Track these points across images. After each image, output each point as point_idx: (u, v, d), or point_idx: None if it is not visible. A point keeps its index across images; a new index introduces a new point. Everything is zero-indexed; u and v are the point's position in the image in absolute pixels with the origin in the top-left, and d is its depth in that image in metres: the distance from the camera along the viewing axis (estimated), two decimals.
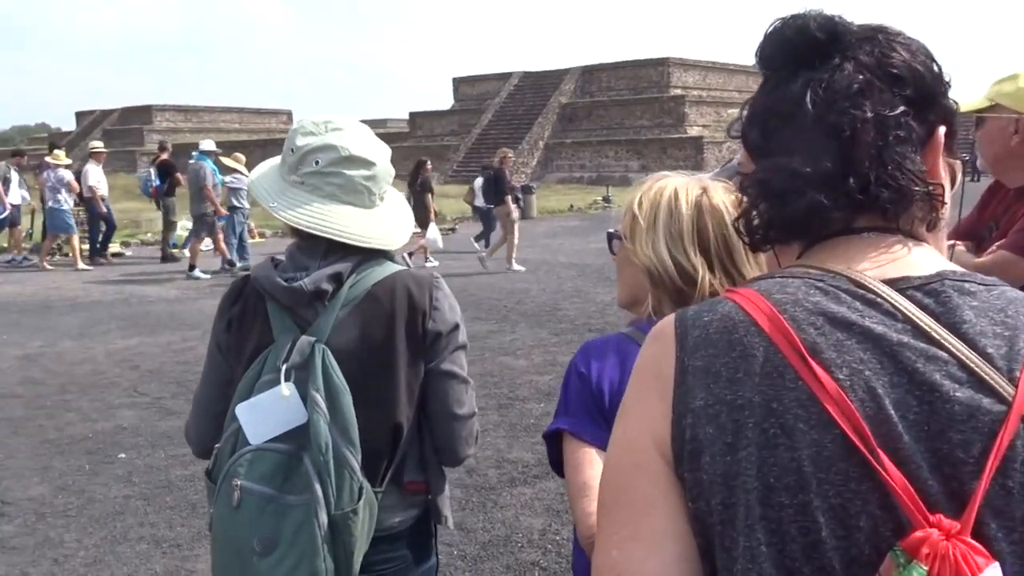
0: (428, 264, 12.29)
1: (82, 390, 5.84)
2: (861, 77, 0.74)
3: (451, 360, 1.56)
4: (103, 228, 13.57)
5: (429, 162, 13.95)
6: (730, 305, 0.75)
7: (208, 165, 11.30)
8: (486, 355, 6.60)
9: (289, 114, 58.25)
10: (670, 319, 0.78)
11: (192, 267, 11.50)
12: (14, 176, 13.10)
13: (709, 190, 1.31)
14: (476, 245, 13.41)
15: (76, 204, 12.83)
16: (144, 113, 52.27)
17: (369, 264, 1.52)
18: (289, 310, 1.49)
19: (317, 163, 1.48)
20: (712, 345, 0.73)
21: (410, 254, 12.28)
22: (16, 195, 13.09)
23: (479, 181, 13.90)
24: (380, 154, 1.54)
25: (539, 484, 4.06)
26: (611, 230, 1.45)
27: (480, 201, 13.79)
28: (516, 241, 12.03)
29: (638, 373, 0.78)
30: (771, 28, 0.80)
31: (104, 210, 13.12)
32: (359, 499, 1.39)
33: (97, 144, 13.70)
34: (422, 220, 12.49)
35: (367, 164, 1.51)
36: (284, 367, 1.42)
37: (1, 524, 3.72)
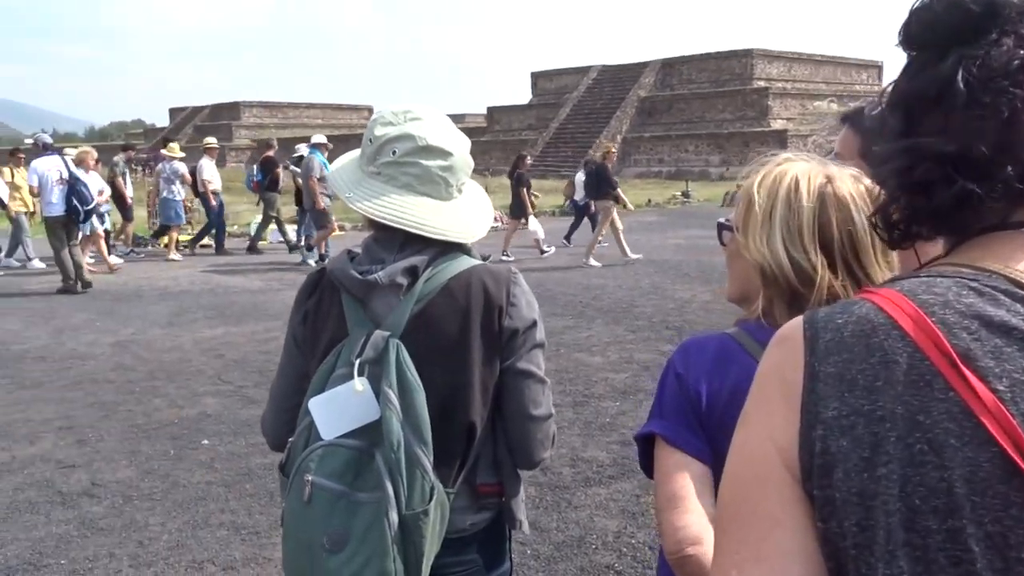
0: (545, 255, 12.35)
1: (169, 377, 6.02)
2: (1023, 52, 0.66)
3: (528, 359, 1.50)
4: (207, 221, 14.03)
5: (528, 157, 14.01)
6: (868, 306, 0.68)
7: (318, 158, 11.52)
8: (561, 351, 6.55)
9: (370, 109, 59.21)
10: (797, 322, 0.72)
11: (323, 257, 11.69)
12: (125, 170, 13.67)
13: (835, 179, 1.17)
14: (565, 242, 13.56)
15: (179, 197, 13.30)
16: (233, 109, 53.92)
17: (446, 258, 1.48)
18: (363, 303, 1.46)
19: (394, 153, 1.45)
20: (847, 350, 0.66)
21: (540, 248, 12.38)
22: (130, 188, 13.64)
23: (580, 175, 13.99)
24: (458, 144, 1.50)
25: (614, 485, 3.99)
26: (722, 220, 1.34)
27: (580, 195, 13.86)
28: (600, 238, 11.99)
29: (761, 379, 0.72)
30: (918, 3, 0.72)
31: (215, 204, 13.50)
32: (430, 499, 1.36)
33: (211, 140, 14.09)
34: (518, 213, 12.58)
35: (444, 154, 1.47)
36: (357, 362, 1.39)
37: (91, 505, 3.86)
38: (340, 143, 14.21)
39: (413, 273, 1.45)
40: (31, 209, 12.20)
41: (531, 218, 12.54)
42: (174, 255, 12.98)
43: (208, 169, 13.35)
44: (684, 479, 1.14)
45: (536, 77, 40.64)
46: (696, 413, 1.18)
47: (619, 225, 11.87)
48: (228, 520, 3.70)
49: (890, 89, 0.76)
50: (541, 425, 1.52)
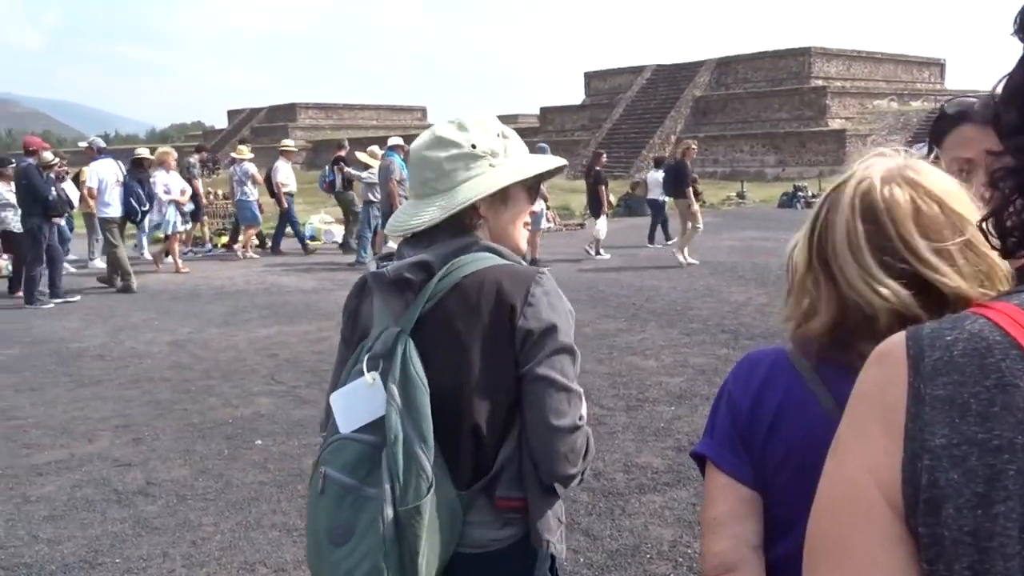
0: (598, 257, 12.23)
1: (224, 376, 6.08)
2: None
3: (548, 364, 1.40)
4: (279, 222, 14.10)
5: (604, 155, 13.97)
6: (981, 322, 0.60)
7: (396, 160, 11.57)
8: (614, 354, 6.45)
9: (423, 111, 59.65)
10: (899, 338, 0.64)
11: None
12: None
13: (910, 181, 1.04)
14: (649, 244, 13.46)
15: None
16: (289, 111, 54.78)
17: (467, 256, 1.45)
18: (385, 300, 1.48)
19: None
20: (958, 371, 0.59)
21: (596, 249, 12.30)
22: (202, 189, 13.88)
23: (653, 174, 13.92)
24: (440, 144, 1.49)
25: (669, 492, 3.88)
26: None
27: (654, 194, 13.77)
28: (693, 233, 11.76)
29: (858, 401, 0.65)
30: None
31: (286, 206, 13.60)
32: (426, 496, 1.34)
33: (288, 142, 14.29)
34: (595, 210, 12.52)
35: (430, 161, 1.49)
36: (366, 356, 1.42)
37: (146, 504, 3.89)
38: (385, 143, 14.31)
39: (425, 268, 1.44)
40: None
41: (602, 217, 12.46)
42: (251, 254, 13.29)
43: (283, 171, 13.48)
44: (727, 503, 1.14)
45: (589, 77, 40.44)
46: (743, 433, 1.15)
47: (698, 225, 11.74)
48: (280, 521, 3.69)
49: (1004, 83, 0.69)
50: (564, 437, 1.39)
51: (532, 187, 1.59)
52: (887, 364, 0.63)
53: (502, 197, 1.52)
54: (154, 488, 4.08)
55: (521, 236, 1.60)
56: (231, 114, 60.62)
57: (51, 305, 9.05)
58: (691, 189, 11.77)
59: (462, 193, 1.47)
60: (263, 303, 9.14)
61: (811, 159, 27.54)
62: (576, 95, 49.70)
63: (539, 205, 11.92)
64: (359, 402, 1.41)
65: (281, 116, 54.98)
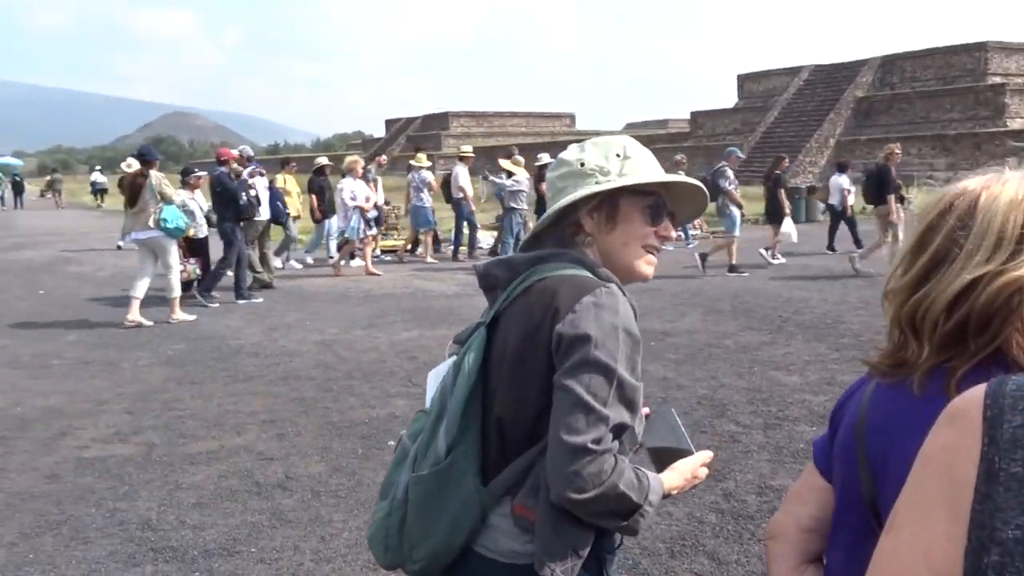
0: (775, 261, 11.88)
1: (365, 377, 6.29)
2: None
3: (573, 375, 1.32)
4: (466, 229, 14.32)
5: (786, 159, 13.59)
6: None
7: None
8: (755, 369, 6.19)
9: (572, 117, 59.81)
10: (977, 392, 0.55)
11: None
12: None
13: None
14: (829, 251, 12.89)
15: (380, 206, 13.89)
16: (442, 119, 56.34)
17: (551, 263, 1.47)
18: (485, 295, 1.59)
19: None
20: None
21: (767, 249, 11.98)
22: (381, 195, 14.32)
23: (836, 178, 13.41)
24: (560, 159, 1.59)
25: None
26: None
27: (835, 199, 13.28)
28: (889, 244, 11.07)
29: (923, 467, 0.57)
30: None
31: (470, 211, 13.84)
32: (429, 469, 1.45)
33: (467, 149, 14.58)
34: (776, 217, 12.15)
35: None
36: (451, 342, 1.59)
37: (283, 498, 4.07)
38: (542, 151, 14.36)
39: (511, 269, 1.51)
40: (298, 214, 13.43)
41: (787, 219, 12.02)
42: (430, 259, 13.70)
43: (463, 176, 13.65)
44: (800, 484, 1.25)
45: (743, 79, 39.27)
46: (832, 434, 1.21)
47: (899, 235, 11.02)
48: None
49: None
50: (572, 456, 1.29)
51: (653, 208, 1.52)
52: (960, 425, 0.54)
53: (609, 215, 1.51)
54: (292, 483, 4.26)
55: (636, 259, 1.53)
56: (388, 123, 63.06)
57: (216, 304, 9.70)
58: (893, 197, 10.96)
59: (557, 205, 1.51)
60: (407, 307, 9.42)
61: (986, 163, 25.36)
62: (727, 98, 48.36)
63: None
64: (438, 381, 1.57)
65: (435, 124, 56.64)
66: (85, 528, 3.76)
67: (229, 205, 9.90)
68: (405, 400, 5.67)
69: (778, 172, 12.37)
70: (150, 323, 8.56)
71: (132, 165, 18.33)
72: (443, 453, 1.43)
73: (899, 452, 0.96)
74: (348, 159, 12.69)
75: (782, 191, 12.12)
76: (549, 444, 1.34)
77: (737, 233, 11.28)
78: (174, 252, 8.91)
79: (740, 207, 11.49)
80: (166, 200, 8.67)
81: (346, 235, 12.17)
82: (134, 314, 8.56)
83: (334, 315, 8.97)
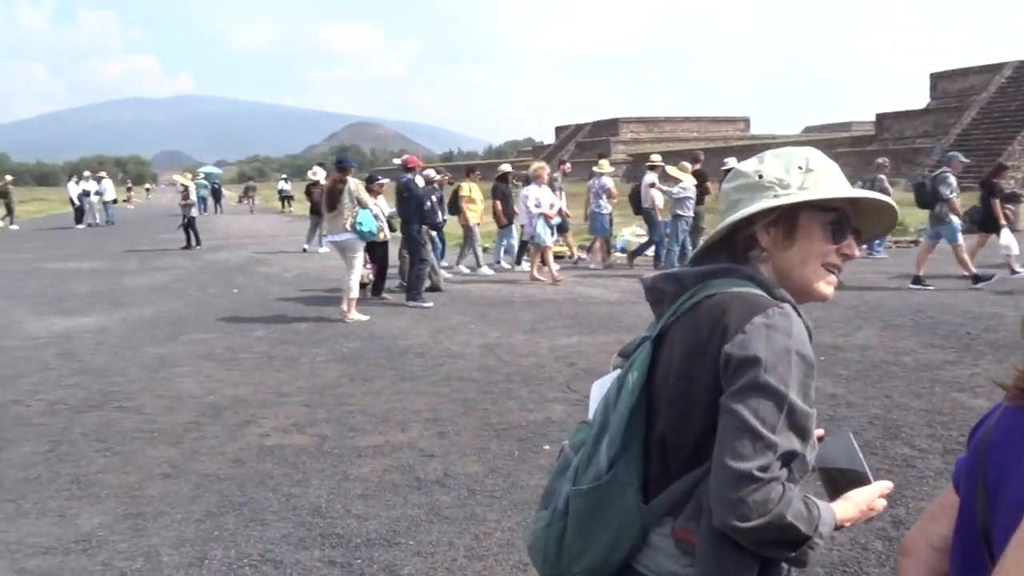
0: (1017, 275, 11.08)
1: (524, 381, 6.41)
2: None
3: (739, 399, 1.28)
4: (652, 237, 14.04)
5: (1007, 166, 12.73)
6: None
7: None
8: (936, 389, 5.78)
9: (746, 121, 58.00)
10: None
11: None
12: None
13: None
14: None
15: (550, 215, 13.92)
16: (611, 126, 56.23)
17: (722, 279, 1.43)
18: (652, 308, 1.58)
19: None
20: None
21: (1011, 266, 11.25)
22: (564, 201, 14.20)
23: None
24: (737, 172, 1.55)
25: None
26: None
27: None
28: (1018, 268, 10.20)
29: None
30: None
31: (659, 219, 13.61)
32: (589, 484, 1.44)
33: (656, 157, 14.16)
34: (989, 226, 11.34)
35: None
36: (616, 354, 1.58)
37: (441, 494, 4.23)
38: (715, 156, 14.03)
39: (678, 283, 1.48)
40: (479, 221, 13.85)
41: (1004, 231, 11.16)
42: (595, 265, 13.74)
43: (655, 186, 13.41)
44: (936, 502, 1.25)
45: (936, 79, 36.60)
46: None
47: None
48: None
49: None
50: (737, 484, 1.25)
51: (835, 224, 1.45)
52: None
53: (788, 230, 1.45)
54: (450, 480, 4.42)
55: (814, 278, 1.46)
56: (558, 130, 63.68)
57: (430, 304, 10.07)
58: None
59: (732, 218, 1.46)
60: (568, 312, 9.49)
61: None
62: (917, 99, 45.19)
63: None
64: (602, 392, 1.56)
65: (604, 131, 56.61)
66: (263, 511, 4.07)
67: (415, 210, 10.38)
68: (562, 405, 5.72)
69: (995, 180, 11.42)
70: (366, 318, 9.26)
71: (317, 173, 19.62)
72: (604, 468, 1.42)
73: (1015, 478, 0.89)
74: (534, 166, 12.77)
75: (997, 200, 11.16)
76: (713, 468, 1.30)
77: (960, 241, 10.51)
78: (360, 255, 9.49)
79: (959, 216, 10.71)
80: (362, 205, 9.31)
81: (535, 242, 12.21)
82: (352, 312, 9.32)
83: (497, 319, 9.18)
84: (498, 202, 13.74)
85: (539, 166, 12.71)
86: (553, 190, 13.08)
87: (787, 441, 1.28)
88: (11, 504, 4.21)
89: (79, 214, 29.18)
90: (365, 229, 9.25)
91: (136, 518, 4.01)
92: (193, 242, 19.45)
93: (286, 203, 39.46)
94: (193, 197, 20.03)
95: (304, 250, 17.96)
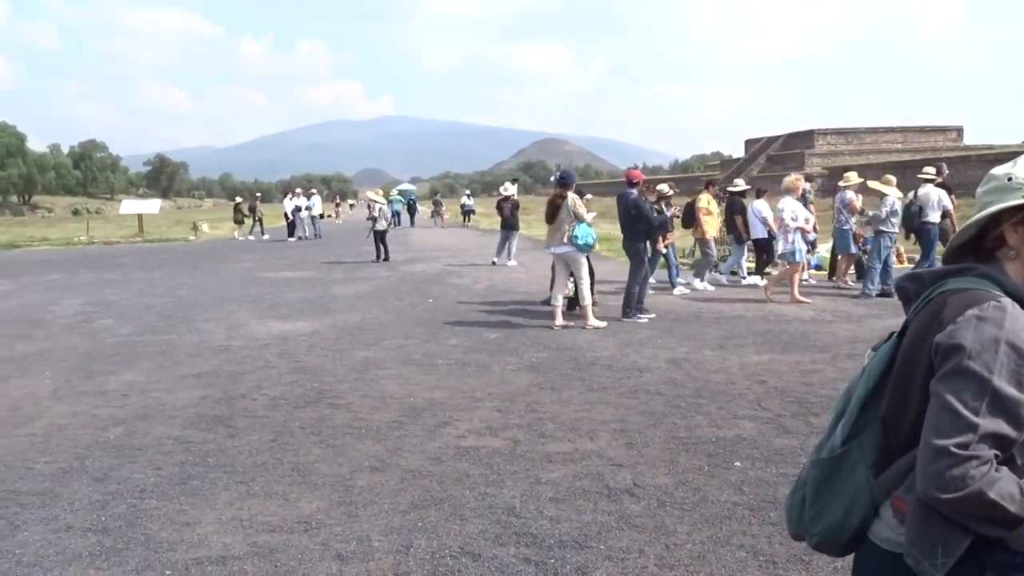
0: None
1: (712, 397, 6.34)
2: None
3: (944, 382, 1.41)
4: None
5: None
6: None
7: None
8: None
9: (959, 130, 53.89)
10: None
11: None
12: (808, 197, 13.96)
13: None
14: None
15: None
16: (806, 138, 53.99)
17: (960, 278, 1.51)
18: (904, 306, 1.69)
19: None
20: None
21: None
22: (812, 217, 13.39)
23: None
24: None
25: None
26: None
27: None
28: None
29: None
30: None
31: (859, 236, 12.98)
32: (818, 455, 1.63)
33: (851, 175, 13.21)
34: None
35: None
36: (870, 348, 1.70)
37: (631, 503, 4.29)
38: (921, 168, 13.15)
39: (919, 282, 1.60)
40: (716, 234, 13.81)
41: None
42: (848, 282, 12.98)
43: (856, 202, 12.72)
44: None
45: None
46: None
47: None
48: (748, 543, 3.77)
49: None
50: (935, 458, 1.38)
51: None
52: None
53: None
54: (639, 490, 4.47)
55: None
56: (748, 143, 61.87)
57: (645, 319, 10.08)
58: None
59: (977, 216, 1.55)
60: (759, 330, 9.25)
61: None
62: None
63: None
64: None
65: (798, 143, 54.44)
66: (461, 507, 4.31)
67: (643, 227, 10.38)
68: (753, 423, 5.62)
69: None
70: (603, 324, 9.65)
71: (507, 188, 20.24)
72: (839, 443, 1.60)
73: None
74: (789, 178, 12.24)
75: None
76: (920, 444, 1.44)
77: None
78: (585, 265, 9.80)
79: None
80: (579, 219, 9.62)
81: (795, 259, 11.56)
82: (559, 319, 9.74)
83: (684, 334, 9.11)
84: (739, 217, 13.56)
85: (794, 178, 12.18)
86: (804, 204, 12.57)
87: (993, 424, 1.35)
88: (243, 486, 4.71)
89: (291, 228, 31.71)
90: (581, 242, 9.57)
91: (349, 505, 4.37)
92: (382, 255, 20.52)
93: (467, 218, 41.69)
94: (386, 211, 21.04)
95: (494, 263, 18.57)
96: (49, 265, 22.34)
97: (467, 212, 42.80)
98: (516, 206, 19.43)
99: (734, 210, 13.83)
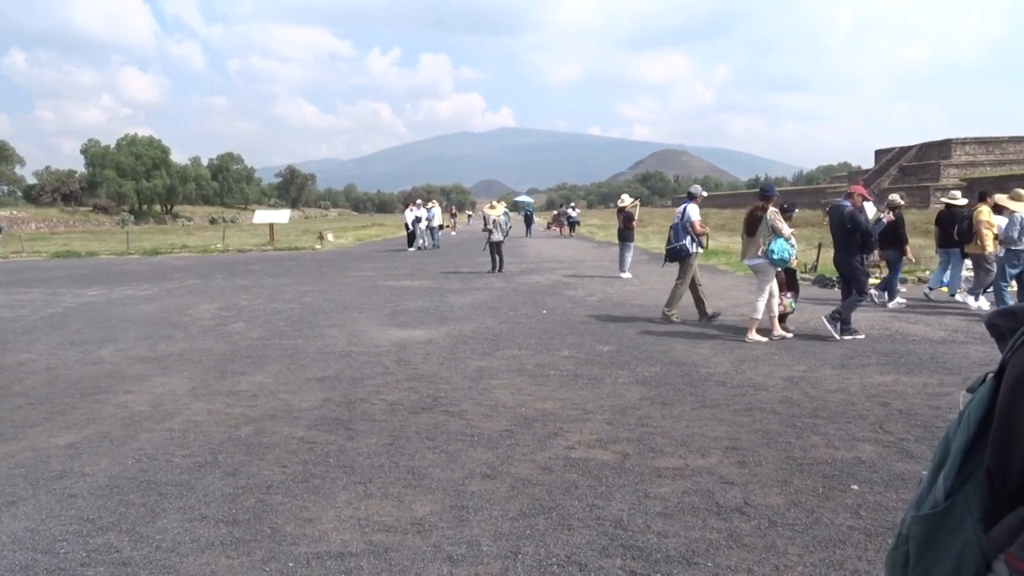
0: None
1: (831, 417, 6.16)
2: None
3: None
4: None
5: None
6: None
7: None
8: None
9: None
10: None
11: None
12: None
13: None
14: None
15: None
16: (942, 148, 51.37)
17: None
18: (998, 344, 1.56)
19: None
20: None
21: None
22: None
23: None
24: None
25: None
26: None
27: None
28: None
29: None
30: None
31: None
32: (915, 511, 1.47)
33: (1001, 197, 12.41)
34: None
35: None
36: (964, 390, 1.55)
37: (741, 522, 4.24)
38: None
39: (1014, 318, 1.46)
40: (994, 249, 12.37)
41: None
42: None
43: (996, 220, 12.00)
44: None
45: None
46: None
47: None
48: (863, 569, 3.67)
49: None
50: None
51: None
52: None
53: None
54: (750, 509, 4.41)
55: None
56: (878, 154, 59.38)
57: (852, 336, 9.69)
58: None
59: None
60: (883, 349, 8.90)
61: None
62: None
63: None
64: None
65: (933, 153, 51.85)
66: (569, 517, 4.37)
67: (859, 241, 9.97)
68: (873, 446, 5.43)
69: None
70: (764, 339, 9.59)
71: (624, 200, 20.19)
72: (941, 497, 1.46)
73: None
74: (1018, 190, 11.54)
75: None
76: None
77: None
78: (771, 280, 9.75)
79: None
80: (776, 233, 9.60)
81: None
82: (752, 333, 9.69)
83: (804, 352, 8.87)
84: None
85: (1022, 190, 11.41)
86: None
87: None
88: (361, 486, 4.93)
89: (411, 238, 32.61)
90: (776, 256, 9.54)
91: (460, 510, 4.50)
92: (497, 266, 20.80)
93: (572, 228, 43.42)
94: (501, 222, 21.25)
95: (620, 277, 18.48)
96: (188, 271, 23.81)
97: (571, 223, 44.62)
98: (629, 218, 19.34)
99: (956, 221, 12.77)
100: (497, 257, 20.88)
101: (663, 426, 6.06)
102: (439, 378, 7.94)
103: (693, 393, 7.07)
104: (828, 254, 13.91)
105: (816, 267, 17.15)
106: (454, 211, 65.50)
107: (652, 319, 11.61)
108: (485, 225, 21.38)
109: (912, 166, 52.03)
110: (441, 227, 35.64)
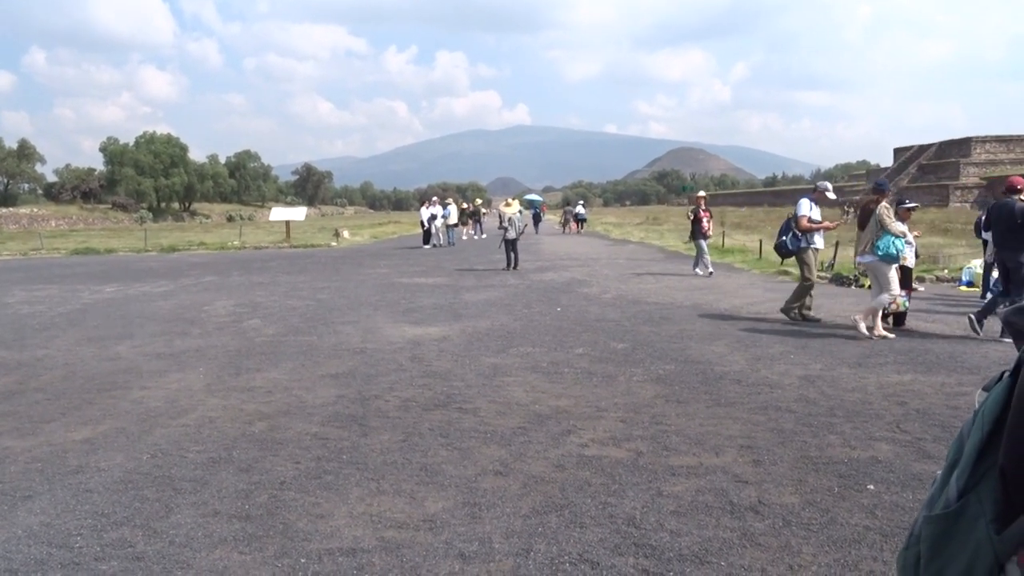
0: None
1: (847, 416, 6.10)
2: None
3: None
4: None
5: None
6: None
7: None
8: None
9: None
10: None
11: None
12: None
13: None
14: None
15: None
16: (962, 146, 50.90)
17: None
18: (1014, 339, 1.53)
19: None
20: None
21: None
22: None
23: None
24: None
25: None
26: None
27: None
28: None
29: None
30: None
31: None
32: (928, 510, 1.38)
33: None
34: None
35: None
36: (980, 389, 1.48)
37: (755, 521, 4.21)
38: None
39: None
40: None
41: None
42: None
43: None
44: None
45: None
46: None
47: None
48: (879, 570, 3.63)
49: None
50: None
51: None
52: None
53: None
54: (764, 508, 4.38)
55: None
56: (897, 152, 58.92)
57: (980, 335, 9.46)
58: None
59: None
60: (901, 348, 8.81)
61: None
62: None
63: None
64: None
65: (953, 151, 51.38)
66: (581, 515, 4.35)
67: (1020, 235, 9.46)
68: (890, 445, 5.37)
69: None
70: (893, 335, 9.55)
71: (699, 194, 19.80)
72: (953, 499, 1.40)
73: None
74: None
75: None
76: None
77: None
78: (889, 276, 9.60)
79: None
80: (885, 229, 9.53)
81: None
82: (865, 327, 9.54)
83: (820, 350, 8.80)
84: None
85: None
86: None
87: None
88: (373, 483, 4.93)
89: (426, 236, 32.67)
90: (881, 253, 9.50)
91: (472, 507, 4.49)
92: (512, 263, 20.78)
93: (580, 225, 44.94)
94: (515, 220, 21.19)
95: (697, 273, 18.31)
96: (205, 268, 23.96)
97: (580, 220, 46.22)
98: (697, 217, 18.72)
99: None
100: (512, 255, 20.86)
101: (677, 424, 6.02)
102: (453, 375, 7.93)
103: (708, 391, 7.02)
104: (844, 252, 13.84)
105: (833, 265, 17.02)
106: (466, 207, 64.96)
107: (667, 317, 11.56)
108: (500, 223, 21.38)
109: (931, 164, 51.58)
110: (456, 225, 35.69)
